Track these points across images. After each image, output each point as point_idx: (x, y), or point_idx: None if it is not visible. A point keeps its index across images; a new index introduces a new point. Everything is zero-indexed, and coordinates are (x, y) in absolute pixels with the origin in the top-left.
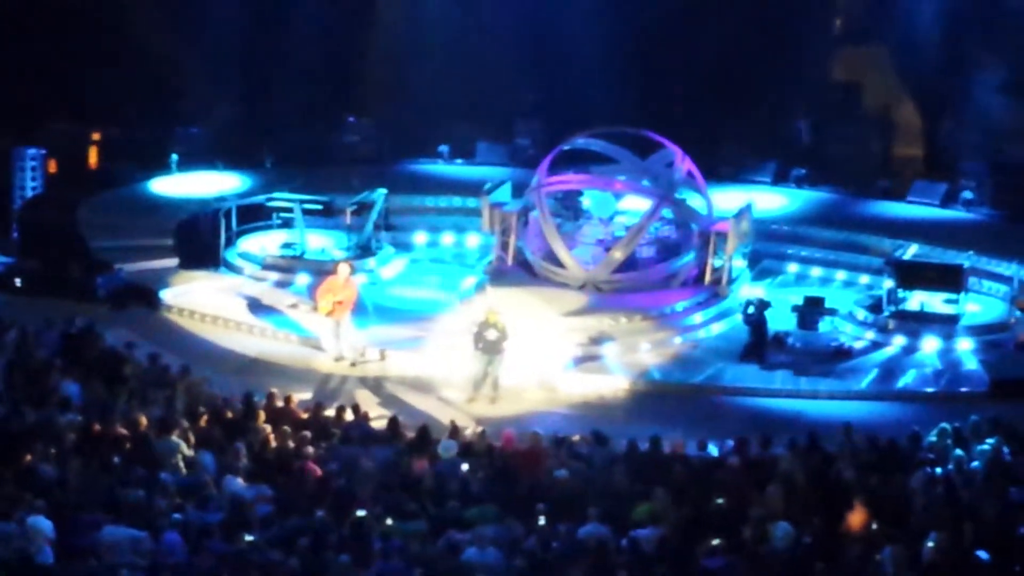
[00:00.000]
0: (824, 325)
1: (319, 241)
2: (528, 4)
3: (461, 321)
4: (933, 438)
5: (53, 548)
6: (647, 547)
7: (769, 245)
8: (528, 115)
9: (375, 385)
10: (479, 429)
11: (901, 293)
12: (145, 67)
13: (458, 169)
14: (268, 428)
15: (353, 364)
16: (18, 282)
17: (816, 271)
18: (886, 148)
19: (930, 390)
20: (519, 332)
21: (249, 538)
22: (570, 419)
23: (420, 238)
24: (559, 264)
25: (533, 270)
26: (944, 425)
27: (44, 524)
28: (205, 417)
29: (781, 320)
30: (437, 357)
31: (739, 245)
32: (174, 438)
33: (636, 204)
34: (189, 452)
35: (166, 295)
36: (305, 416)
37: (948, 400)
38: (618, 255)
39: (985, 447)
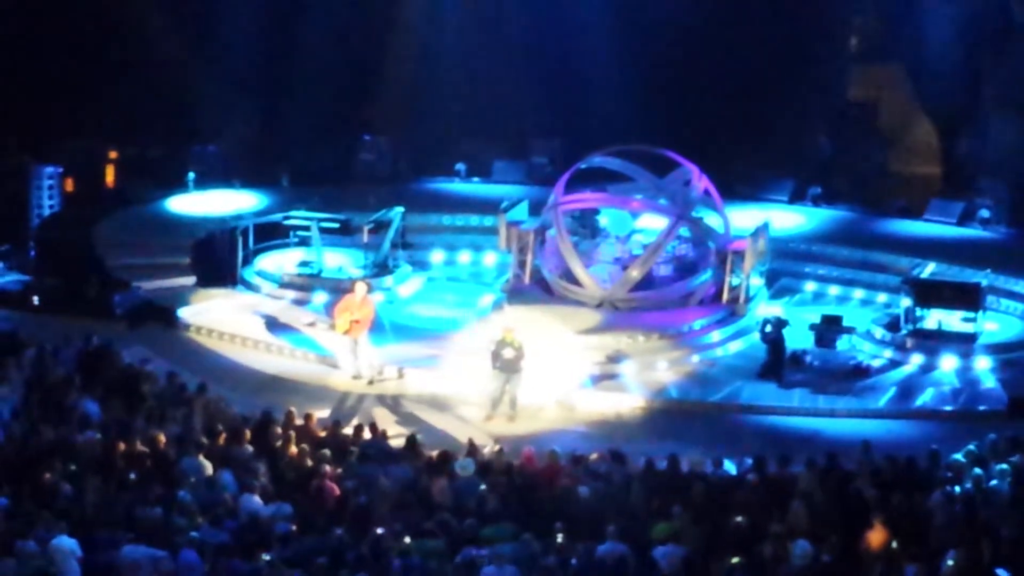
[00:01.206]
0: (842, 343)
1: (336, 259)
2: (545, 23)
3: (478, 339)
4: (960, 457)
5: (80, 565)
6: (666, 565)
7: (786, 264)
8: (545, 134)
9: (393, 403)
10: (497, 447)
11: (919, 311)
12: (162, 86)
13: (475, 187)
14: (287, 446)
15: (370, 382)
16: (36, 300)
17: (834, 290)
18: (903, 166)
19: (948, 409)
20: (536, 350)
21: (267, 557)
22: (588, 437)
23: (437, 256)
24: (576, 282)
25: (550, 288)
26: (971, 447)
27: (69, 543)
28: (223, 435)
29: (799, 338)
30: (454, 375)
31: (756, 263)
32: (199, 458)
33: (653, 223)
34: (209, 471)
35: (183, 313)
36: (323, 434)
37: (966, 419)
38: (635, 274)
39: (1004, 466)
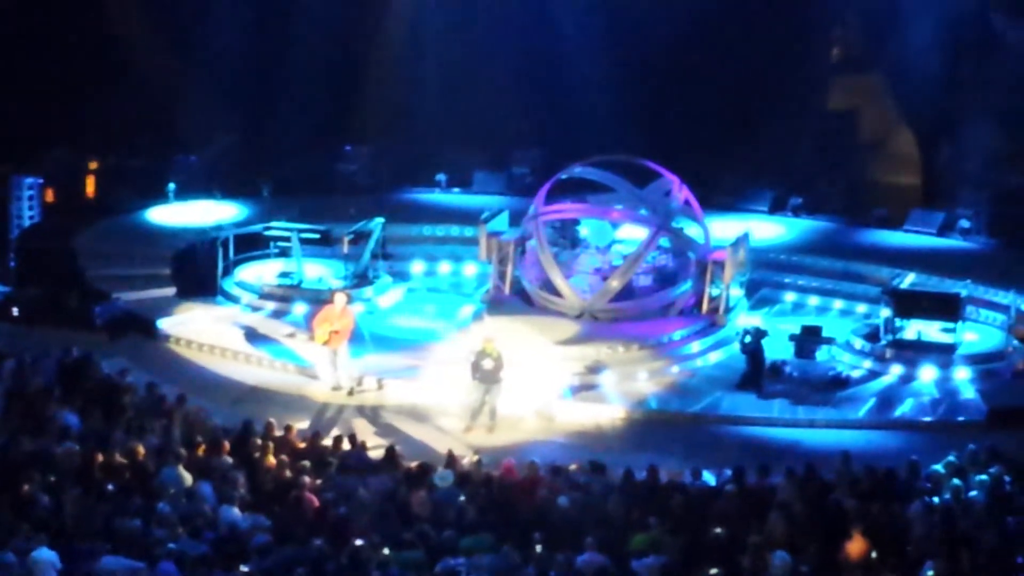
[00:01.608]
0: (821, 354)
1: (316, 270)
2: (526, 34)
3: (458, 350)
4: (940, 468)
5: None
6: None
7: (766, 274)
8: (525, 144)
9: (372, 414)
10: (476, 458)
11: (898, 322)
12: (143, 96)
13: (455, 198)
14: (266, 457)
15: (350, 393)
16: (15, 311)
17: (813, 300)
18: (883, 177)
19: (927, 419)
20: (516, 361)
21: (245, 568)
22: (567, 448)
23: (417, 267)
24: (556, 293)
25: (530, 299)
26: (951, 458)
27: (48, 554)
28: (203, 447)
29: (778, 349)
30: (434, 386)
31: (736, 274)
32: (179, 469)
33: (633, 233)
34: (188, 482)
35: (163, 324)
36: (302, 445)
37: (945, 429)
38: (615, 284)
39: (984, 477)
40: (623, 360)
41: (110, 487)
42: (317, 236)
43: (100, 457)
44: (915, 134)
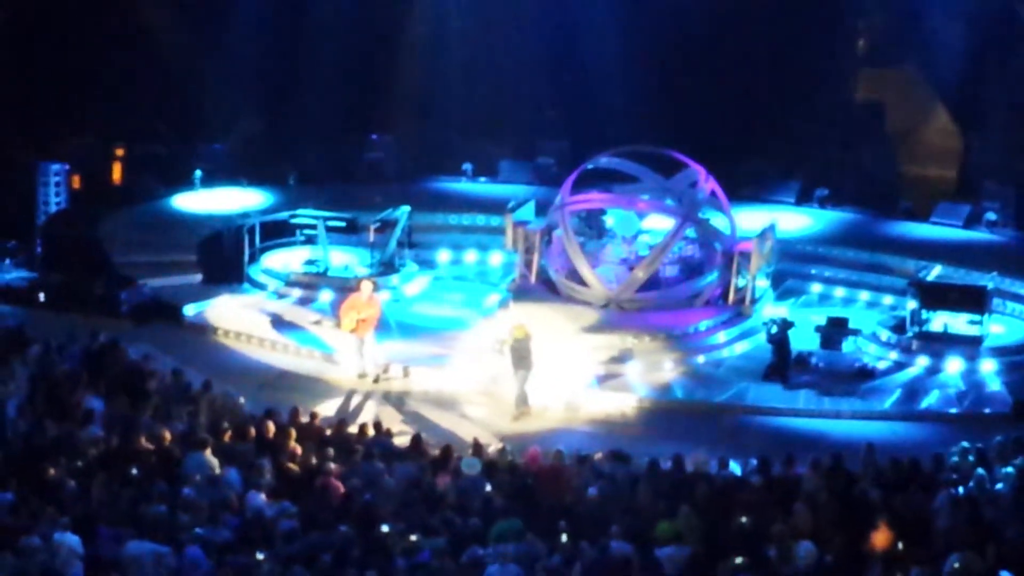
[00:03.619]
0: (847, 345)
1: (342, 258)
2: (552, 23)
3: (483, 339)
4: (955, 459)
5: (84, 562)
6: (670, 566)
7: (793, 265)
8: (552, 134)
9: (398, 402)
10: (501, 446)
11: (925, 314)
12: (169, 83)
13: (481, 187)
14: (292, 444)
15: (376, 381)
16: (42, 297)
17: (839, 291)
18: (909, 169)
19: (953, 411)
20: (542, 350)
21: (260, 556)
22: (592, 437)
23: (443, 256)
24: (582, 283)
25: (556, 288)
26: (964, 444)
27: (72, 540)
28: (229, 433)
29: (804, 340)
30: (460, 374)
31: (762, 265)
32: (206, 455)
33: (659, 223)
34: (216, 468)
35: (189, 311)
36: (328, 432)
37: (971, 421)
38: (641, 274)
39: (1010, 469)
40: (649, 350)
41: (136, 472)
42: (343, 224)
43: (126, 442)
44: (941, 126)
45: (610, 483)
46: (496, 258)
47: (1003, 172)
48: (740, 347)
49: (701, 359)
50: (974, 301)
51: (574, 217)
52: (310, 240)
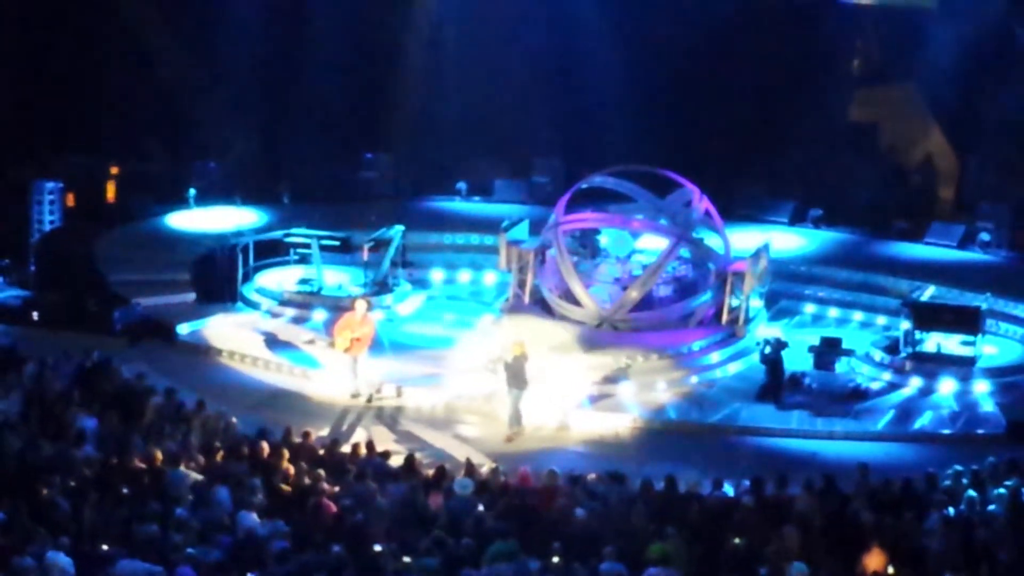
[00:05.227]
0: (841, 366)
1: (336, 277)
2: (547, 43)
3: (476, 358)
4: (947, 482)
5: None
6: None
7: (786, 285)
8: (546, 153)
9: (391, 421)
10: (493, 466)
11: (918, 334)
12: (163, 102)
13: (476, 206)
14: (285, 464)
15: (369, 400)
16: (36, 315)
17: (833, 312)
18: (903, 189)
19: (946, 432)
20: (535, 370)
21: None
22: (585, 457)
23: (437, 275)
24: (576, 302)
25: (550, 308)
26: (957, 467)
27: (64, 560)
28: (221, 452)
29: (798, 360)
30: (453, 394)
31: (756, 285)
32: (182, 468)
33: (654, 243)
34: (198, 480)
35: (183, 329)
36: (321, 452)
37: (965, 442)
38: (635, 294)
39: (1002, 491)
40: (642, 370)
41: (128, 492)
42: (337, 243)
43: (118, 462)
44: (935, 147)
45: (603, 503)
46: (490, 278)
47: (997, 192)
48: (733, 367)
49: (694, 379)
50: (968, 322)
51: (568, 236)
52: (304, 259)
